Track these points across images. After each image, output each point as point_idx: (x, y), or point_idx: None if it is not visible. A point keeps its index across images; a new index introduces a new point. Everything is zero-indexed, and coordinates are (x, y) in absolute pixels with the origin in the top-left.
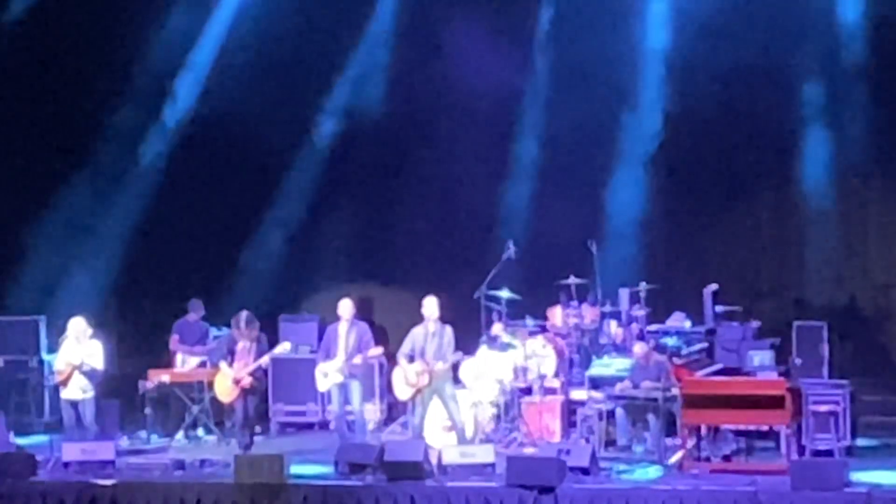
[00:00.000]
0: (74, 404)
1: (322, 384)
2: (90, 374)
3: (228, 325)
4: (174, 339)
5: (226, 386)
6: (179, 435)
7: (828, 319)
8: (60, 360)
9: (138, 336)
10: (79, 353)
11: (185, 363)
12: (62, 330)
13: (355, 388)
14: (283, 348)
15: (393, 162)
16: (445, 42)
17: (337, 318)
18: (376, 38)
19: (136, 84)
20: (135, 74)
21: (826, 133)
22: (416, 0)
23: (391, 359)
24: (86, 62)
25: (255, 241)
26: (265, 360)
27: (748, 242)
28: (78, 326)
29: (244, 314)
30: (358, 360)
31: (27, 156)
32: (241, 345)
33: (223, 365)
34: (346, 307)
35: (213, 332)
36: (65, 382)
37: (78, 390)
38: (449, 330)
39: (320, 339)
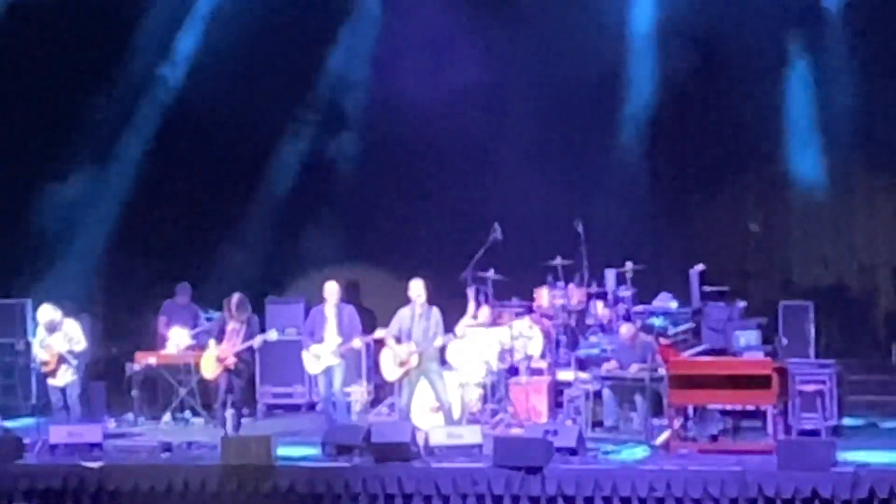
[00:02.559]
0: (63, 389)
1: (313, 367)
2: (76, 357)
3: (218, 309)
4: (162, 322)
5: (210, 362)
6: (166, 417)
7: (814, 299)
8: (42, 351)
9: (125, 318)
10: (61, 340)
11: (177, 343)
12: None
13: (339, 371)
14: (269, 335)
15: (378, 144)
16: (429, 23)
17: (321, 301)
18: (362, 22)
19: (121, 69)
20: (120, 61)
21: (812, 113)
22: None
23: (378, 340)
24: (73, 49)
25: (241, 223)
26: (258, 341)
27: (735, 223)
28: (46, 315)
29: (236, 297)
30: (357, 343)
31: (12, 141)
32: (231, 326)
33: (211, 342)
34: (332, 290)
35: (203, 315)
36: (53, 373)
37: (66, 376)
38: (436, 311)
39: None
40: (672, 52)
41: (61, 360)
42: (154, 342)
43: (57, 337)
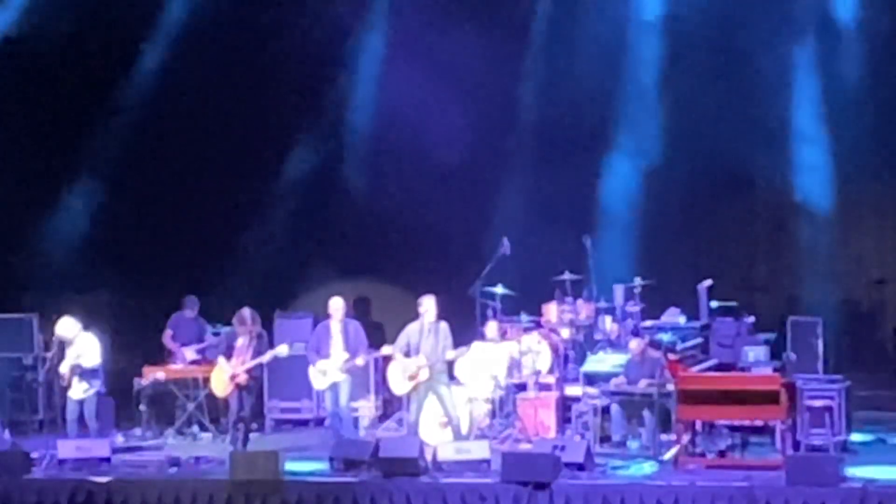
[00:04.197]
0: (80, 402)
1: (320, 383)
2: (87, 372)
3: (226, 325)
4: (167, 335)
5: (222, 380)
6: (174, 432)
7: (822, 315)
8: (63, 364)
9: (133, 332)
10: (73, 353)
11: (184, 356)
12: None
13: (344, 386)
14: (280, 351)
15: (386, 158)
16: (436, 40)
17: (328, 316)
18: (369, 40)
19: (126, 85)
20: (125, 77)
21: (820, 126)
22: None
23: (385, 356)
24: (78, 65)
25: (249, 237)
26: (267, 357)
27: (743, 238)
28: (61, 329)
29: (247, 311)
30: (360, 360)
31: (21, 154)
32: (241, 341)
33: (221, 359)
34: (337, 305)
35: (210, 329)
36: (70, 386)
37: (80, 390)
38: (444, 326)
39: None
40: (679, 66)
41: (72, 373)
42: (162, 356)
43: (71, 351)
